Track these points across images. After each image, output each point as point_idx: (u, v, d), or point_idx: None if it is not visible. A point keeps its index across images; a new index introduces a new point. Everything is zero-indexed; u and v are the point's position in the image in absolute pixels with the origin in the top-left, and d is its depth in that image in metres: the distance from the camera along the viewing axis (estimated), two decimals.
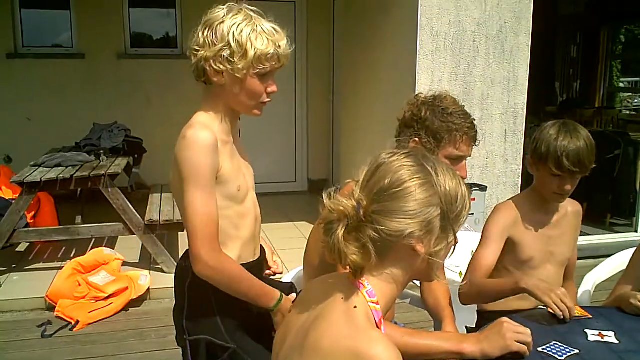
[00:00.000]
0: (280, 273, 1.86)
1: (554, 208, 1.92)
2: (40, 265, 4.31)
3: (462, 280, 1.85)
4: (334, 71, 6.59)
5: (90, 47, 6.21)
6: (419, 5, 3.96)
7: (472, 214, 3.94)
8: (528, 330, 1.37)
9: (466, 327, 2.00)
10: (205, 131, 1.45)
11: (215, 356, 1.58)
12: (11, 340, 3.30)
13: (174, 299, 1.68)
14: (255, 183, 1.70)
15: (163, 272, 4.09)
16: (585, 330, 1.53)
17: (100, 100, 6.16)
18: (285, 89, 6.58)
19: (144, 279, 3.86)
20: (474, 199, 3.98)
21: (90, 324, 3.49)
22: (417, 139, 1.72)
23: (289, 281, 1.87)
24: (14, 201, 4.08)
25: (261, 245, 1.76)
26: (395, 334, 1.38)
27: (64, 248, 4.58)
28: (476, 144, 1.79)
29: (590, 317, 1.61)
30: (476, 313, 2.05)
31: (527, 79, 4.30)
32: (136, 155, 5.37)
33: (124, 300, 3.68)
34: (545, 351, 1.41)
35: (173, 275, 1.69)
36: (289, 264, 1.87)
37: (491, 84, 4.22)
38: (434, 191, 1.07)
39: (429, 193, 1.07)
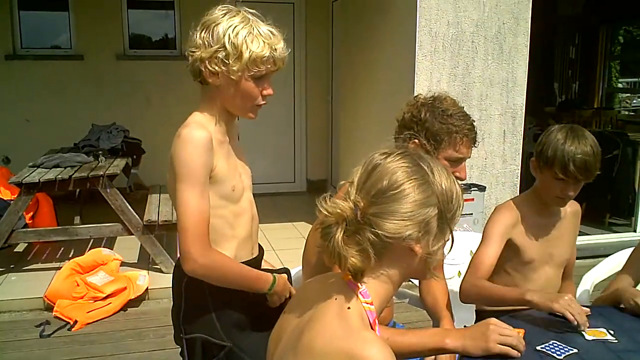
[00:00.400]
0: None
1: (554, 210, 1.92)
2: (39, 265, 4.32)
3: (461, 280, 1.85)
4: (332, 72, 6.59)
5: (89, 48, 6.22)
6: (418, 7, 3.96)
7: (471, 214, 3.94)
8: (515, 333, 1.36)
9: (464, 326, 1.99)
10: (200, 130, 1.45)
11: (211, 354, 1.58)
12: (9, 340, 3.30)
13: (172, 299, 1.68)
14: (254, 183, 1.70)
15: (161, 272, 4.09)
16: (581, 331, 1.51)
17: (99, 101, 6.17)
18: (284, 90, 6.59)
19: (143, 279, 3.86)
20: (472, 199, 3.98)
21: (88, 324, 3.48)
22: (416, 141, 1.71)
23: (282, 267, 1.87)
24: (12, 202, 4.08)
25: (260, 245, 1.76)
26: (382, 335, 1.37)
27: (62, 248, 4.58)
28: (476, 145, 1.79)
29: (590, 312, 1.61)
30: (474, 312, 2.05)
31: (526, 79, 4.30)
32: (135, 156, 5.39)
33: (122, 300, 3.68)
34: (544, 350, 1.41)
35: (171, 275, 1.68)
36: (288, 264, 1.87)
37: (490, 85, 4.22)
38: (432, 191, 1.07)
39: (426, 193, 1.07)
